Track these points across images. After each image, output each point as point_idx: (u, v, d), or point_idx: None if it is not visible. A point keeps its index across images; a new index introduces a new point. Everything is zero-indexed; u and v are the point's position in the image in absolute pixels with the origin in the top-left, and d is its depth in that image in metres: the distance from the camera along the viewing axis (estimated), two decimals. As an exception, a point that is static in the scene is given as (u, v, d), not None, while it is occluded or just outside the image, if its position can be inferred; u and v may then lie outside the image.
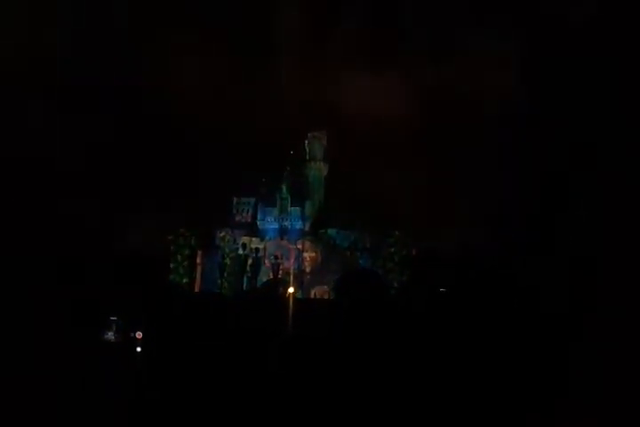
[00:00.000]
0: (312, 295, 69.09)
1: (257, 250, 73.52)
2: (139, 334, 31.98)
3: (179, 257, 73.03)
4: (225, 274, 72.29)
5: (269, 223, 75.69)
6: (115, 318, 34.80)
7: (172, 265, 72.34)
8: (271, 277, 71.22)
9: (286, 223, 75.34)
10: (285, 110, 77.95)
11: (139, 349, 29.60)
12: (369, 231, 74.23)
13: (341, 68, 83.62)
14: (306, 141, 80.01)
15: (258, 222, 75.97)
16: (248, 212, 76.64)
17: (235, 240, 73.71)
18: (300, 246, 73.30)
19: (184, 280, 71.38)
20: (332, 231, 73.18)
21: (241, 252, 73.30)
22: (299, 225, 75.35)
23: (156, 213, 68.87)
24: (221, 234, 74.02)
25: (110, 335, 34.25)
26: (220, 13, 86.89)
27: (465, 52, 77.48)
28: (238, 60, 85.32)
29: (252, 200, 76.73)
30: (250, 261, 72.67)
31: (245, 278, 71.88)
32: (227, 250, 73.26)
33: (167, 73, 79.47)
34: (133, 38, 78.68)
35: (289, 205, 75.99)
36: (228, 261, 72.80)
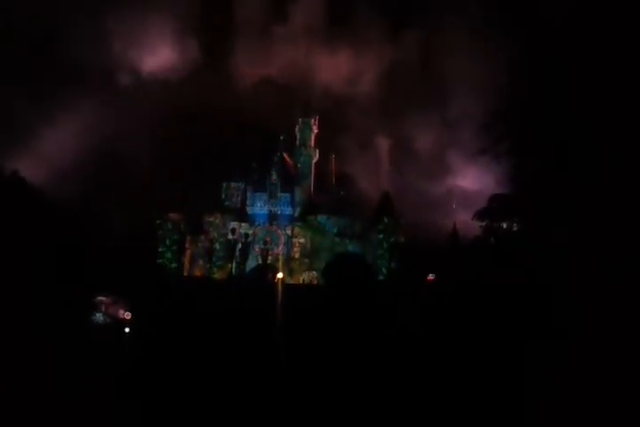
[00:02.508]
0: (301, 281, 69.33)
1: (246, 235, 73.55)
2: (127, 315, 32.02)
3: (167, 241, 72.94)
4: (214, 259, 72.33)
5: (259, 209, 75.69)
6: (103, 298, 34.78)
7: (160, 249, 72.29)
8: (260, 262, 71.34)
9: (276, 209, 75.37)
10: (276, 96, 77.78)
11: (127, 329, 29.63)
12: (358, 218, 74.47)
13: (332, 53, 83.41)
14: (296, 127, 79.83)
15: (247, 208, 75.93)
16: (237, 197, 76.51)
17: (224, 225, 73.64)
18: (289, 232, 73.40)
19: (172, 265, 71.35)
20: (321, 217, 73.28)
21: (230, 237, 73.30)
22: (288, 211, 75.40)
23: (145, 198, 68.64)
24: (210, 219, 73.90)
25: (99, 316, 34.24)
26: None
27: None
28: (230, 45, 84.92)
29: (242, 185, 76.59)
30: (239, 247, 72.70)
31: (234, 263, 71.92)
32: (216, 235, 73.21)
33: (156, 57, 79.01)
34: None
35: (278, 190, 75.91)
36: (217, 246, 72.78)
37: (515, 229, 23.94)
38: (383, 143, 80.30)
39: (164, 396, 15.34)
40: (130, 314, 31.89)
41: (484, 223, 25.16)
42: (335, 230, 73.05)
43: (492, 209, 24.25)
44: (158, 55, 79.11)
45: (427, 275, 40.93)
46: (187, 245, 73.58)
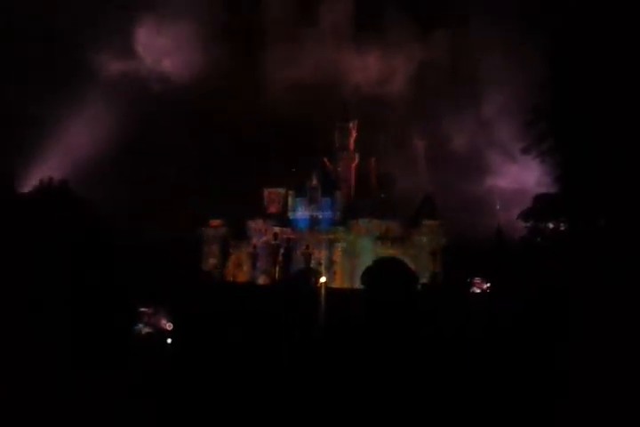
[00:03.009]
0: (343, 285, 69.19)
1: (288, 240, 73.90)
2: (169, 325, 32.25)
3: (211, 248, 73.89)
4: (257, 264, 72.88)
5: (300, 213, 75.95)
6: (145, 309, 35.19)
7: (204, 256, 73.27)
8: (303, 266, 71.53)
9: (317, 213, 75.49)
10: (311, 99, 78.03)
11: (169, 340, 29.86)
12: (399, 220, 73.97)
13: (364, 55, 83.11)
14: (335, 131, 79.86)
15: (289, 213, 76.30)
16: (279, 202, 76.96)
17: (266, 231, 74.14)
18: (331, 236, 73.40)
19: (216, 271, 72.19)
20: (362, 221, 72.95)
21: (273, 242, 73.75)
22: (329, 215, 75.43)
23: (190, 204, 69.74)
24: (253, 224, 74.51)
25: (141, 327, 34.70)
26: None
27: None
28: (260, 50, 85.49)
29: (283, 191, 77.00)
30: (281, 251, 73.08)
31: (277, 268, 72.31)
32: (258, 240, 73.77)
33: (198, 66, 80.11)
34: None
35: (319, 195, 76.04)
36: (259, 251, 73.34)
37: (562, 229, 23.30)
38: (421, 144, 79.68)
39: (206, 406, 15.38)
40: (171, 325, 32.13)
41: (528, 224, 24.55)
42: (377, 233, 72.68)
43: (538, 209, 23.66)
44: (189, 62, 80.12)
45: (471, 277, 40.00)
46: (230, 251, 74.41)
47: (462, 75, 78.98)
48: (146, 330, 38.42)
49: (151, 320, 38.76)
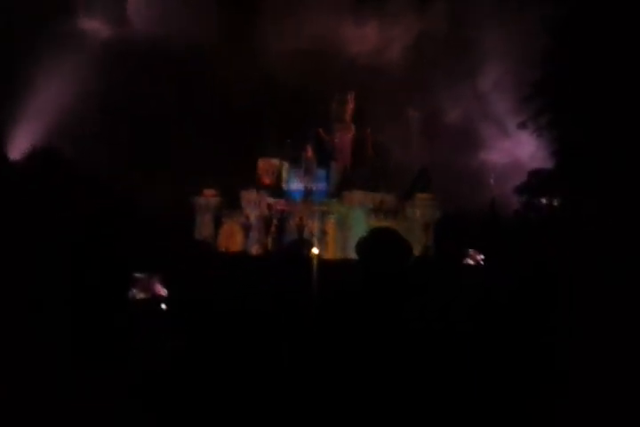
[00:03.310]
0: (335, 256, 69.53)
1: (282, 211, 73.86)
2: (163, 291, 32.37)
3: (204, 217, 73.80)
4: (250, 235, 72.97)
5: (294, 185, 75.76)
6: (139, 275, 35.29)
7: (197, 225, 73.23)
8: (295, 237, 71.72)
9: (311, 185, 75.33)
10: (316, 73, 76.94)
11: (163, 306, 29.94)
12: (394, 193, 73.96)
13: (361, 24, 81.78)
14: (333, 102, 79.15)
15: (283, 184, 76.10)
16: (273, 173, 76.67)
17: (260, 201, 74.02)
18: (324, 208, 73.40)
19: (209, 241, 72.24)
20: (356, 193, 72.91)
21: (266, 213, 73.71)
22: (324, 186, 75.30)
23: (181, 174, 69.33)
24: (246, 195, 74.33)
25: (135, 292, 34.85)
26: None
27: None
28: (260, 18, 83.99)
29: (277, 161, 76.63)
30: (274, 222, 73.14)
31: (270, 239, 72.45)
32: (252, 211, 73.70)
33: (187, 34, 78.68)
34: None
35: (314, 166, 75.75)
36: (253, 222, 73.33)
37: (555, 204, 23.33)
38: (416, 116, 79.02)
39: (198, 378, 15.38)
40: (166, 290, 32.21)
41: (522, 198, 24.58)
42: (370, 205, 72.71)
43: (532, 184, 23.66)
44: (180, 28, 78.38)
45: (465, 249, 40.03)
46: (223, 221, 74.35)
47: (460, 46, 77.86)
48: (140, 295, 38.53)
49: (145, 286, 38.85)
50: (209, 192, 74.49)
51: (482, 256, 36.50)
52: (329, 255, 68.06)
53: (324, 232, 71.83)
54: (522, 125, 21.39)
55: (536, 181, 24.20)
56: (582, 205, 19.63)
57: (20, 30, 65.36)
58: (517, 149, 62.40)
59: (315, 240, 68.70)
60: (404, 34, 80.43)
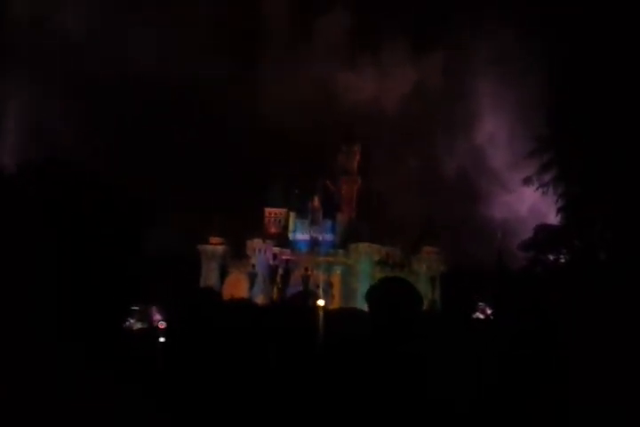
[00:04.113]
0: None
1: (287, 261, 73.72)
2: (162, 324, 31.91)
3: (210, 265, 73.64)
4: (255, 284, 72.59)
5: (301, 235, 75.89)
6: (137, 308, 35.15)
7: (202, 272, 73.02)
8: (301, 288, 71.24)
9: (317, 235, 75.44)
10: (319, 123, 78.43)
11: (162, 339, 29.41)
12: (400, 246, 73.92)
13: (370, 77, 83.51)
14: (339, 155, 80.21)
15: (289, 233, 76.25)
16: (279, 222, 76.96)
17: (265, 251, 73.99)
18: (330, 259, 73.23)
19: (214, 288, 71.84)
20: (362, 245, 72.83)
21: (271, 262, 73.59)
22: (330, 237, 75.38)
23: (189, 221, 69.57)
24: (252, 244, 74.38)
25: (133, 322, 34.43)
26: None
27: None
28: (273, 71, 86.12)
29: (284, 211, 77.05)
30: (280, 272, 72.88)
31: (275, 289, 72.02)
32: (257, 260, 73.60)
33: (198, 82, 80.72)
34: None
35: (321, 217, 76.09)
36: (258, 271, 73.10)
37: (562, 261, 23.25)
38: (419, 167, 79.52)
39: (193, 405, 15.22)
40: (164, 323, 31.70)
41: (529, 254, 24.51)
42: (377, 258, 72.56)
43: (539, 240, 23.64)
44: (186, 74, 79.89)
45: (472, 305, 39.58)
46: (228, 270, 74.18)
47: (460, 98, 79.21)
48: (138, 326, 37.95)
49: (143, 316, 38.27)
50: (215, 240, 74.66)
51: (491, 310, 36.05)
52: (335, 306, 67.41)
53: (329, 284, 71.40)
54: (527, 181, 21.51)
55: (542, 237, 24.19)
56: (591, 260, 19.59)
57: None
58: (518, 204, 62.78)
59: (320, 291, 68.24)
60: (403, 84, 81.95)
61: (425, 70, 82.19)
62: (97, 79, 74.67)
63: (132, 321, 34.09)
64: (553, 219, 24.09)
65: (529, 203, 55.15)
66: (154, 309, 37.47)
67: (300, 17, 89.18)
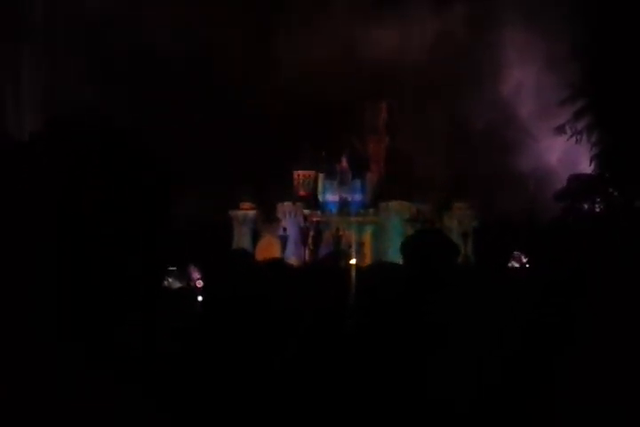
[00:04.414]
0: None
1: (318, 223, 74.05)
2: (199, 283, 32.79)
3: (241, 230, 74.43)
4: (287, 246, 73.28)
5: (331, 196, 75.94)
6: (174, 268, 36.14)
7: (234, 237, 73.90)
8: (332, 249, 71.74)
9: (347, 196, 75.40)
10: (343, 81, 77.01)
11: (200, 298, 30.18)
12: (431, 203, 73.46)
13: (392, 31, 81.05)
14: (365, 112, 79.24)
15: (319, 195, 76.37)
16: (309, 184, 77.01)
17: (296, 213, 74.37)
18: (360, 219, 73.32)
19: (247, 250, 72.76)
20: (393, 203, 72.61)
21: (302, 225, 74.01)
22: (360, 197, 75.29)
23: (220, 186, 69.99)
24: (283, 208, 74.78)
25: (171, 281, 35.32)
26: None
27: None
28: (294, 33, 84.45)
29: (313, 173, 76.96)
30: (311, 234, 73.35)
31: (307, 251, 72.64)
32: (288, 223, 74.08)
33: (226, 48, 79.69)
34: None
35: (350, 177, 75.86)
36: (289, 233, 73.67)
37: (597, 210, 22.88)
38: (450, 122, 77.91)
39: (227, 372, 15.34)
40: (201, 282, 32.52)
41: (563, 204, 24.13)
42: (407, 216, 72.34)
43: (573, 189, 23.22)
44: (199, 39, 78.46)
45: (507, 255, 39.26)
46: (260, 234, 74.91)
47: (485, 48, 76.28)
48: (176, 284, 38.95)
49: (182, 275, 39.17)
50: (246, 205, 75.22)
51: (526, 258, 35.86)
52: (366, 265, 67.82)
53: (360, 243, 71.70)
54: (560, 129, 20.98)
55: (576, 186, 23.74)
56: (627, 208, 19.22)
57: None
58: (548, 154, 61.52)
59: (352, 251, 68.62)
60: (428, 36, 79.35)
61: (450, 21, 79.29)
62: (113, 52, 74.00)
63: (170, 280, 34.91)
64: (584, 168, 23.60)
65: (558, 153, 54.04)
66: (192, 268, 38.32)
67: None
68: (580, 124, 20.37)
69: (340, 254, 67.96)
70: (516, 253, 38.81)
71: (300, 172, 77.11)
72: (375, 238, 72.00)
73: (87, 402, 12.28)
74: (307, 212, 74.44)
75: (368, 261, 69.64)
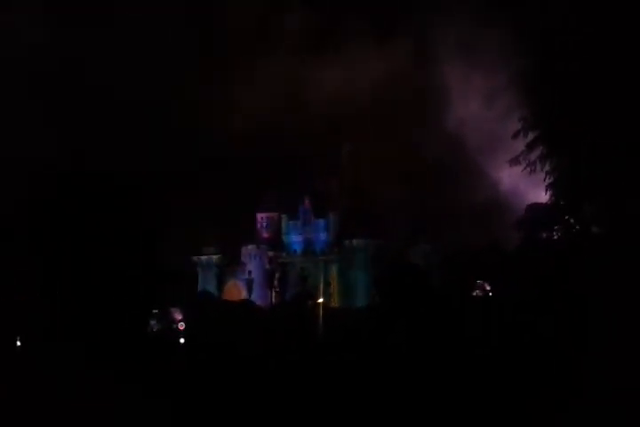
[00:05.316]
0: (341, 305, 68.83)
1: (283, 264, 73.68)
2: (181, 325, 32.75)
3: (207, 274, 73.56)
4: (253, 290, 72.53)
5: (294, 236, 75.86)
6: (156, 311, 35.91)
7: (199, 282, 72.90)
8: (299, 290, 71.21)
9: (311, 235, 75.45)
10: (306, 123, 77.98)
11: (182, 340, 30.05)
12: (394, 240, 73.97)
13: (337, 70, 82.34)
14: (325, 154, 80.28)
15: (283, 236, 76.22)
16: (272, 227, 76.89)
17: (260, 256, 73.96)
18: (325, 258, 73.24)
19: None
20: (357, 241, 72.89)
21: (267, 267, 73.52)
22: (324, 236, 75.38)
23: (182, 233, 69.16)
24: (246, 251, 74.35)
25: (153, 324, 34.98)
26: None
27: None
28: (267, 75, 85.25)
29: (276, 215, 76.99)
30: (277, 276, 72.84)
31: (273, 293, 71.97)
32: (253, 266, 73.56)
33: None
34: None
35: (312, 216, 76.10)
36: (254, 277, 73.06)
37: (555, 238, 23.39)
38: (394, 156, 78.64)
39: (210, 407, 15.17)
40: (183, 324, 32.36)
41: (521, 233, 24.69)
42: (372, 253, 72.64)
43: (530, 218, 23.80)
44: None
45: (473, 283, 39.57)
46: (225, 278, 74.12)
47: (430, 83, 77.99)
48: (158, 327, 38.31)
49: (163, 318, 38.62)
50: (209, 250, 74.63)
51: (489, 287, 36.30)
52: (334, 304, 67.42)
53: (327, 282, 71.40)
54: (514, 161, 21.57)
55: (534, 216, 24.34)
56: (584, 235, 19.70)
57: None
58: (499, 186, 63.31)
59: (319, 291, 68.28)
60: (373, 75, 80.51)
61: (393, 61, 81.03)
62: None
63: (153, 322, 34.72)
64: (532, 197, 24.23)
65: (507, 184, 55.64)
66: (173, 310, 37.99)
67: (260, 17, 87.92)
68: (533, 155, 20.96)
69: (308, 295, 67.60)
70: (479, 282, 39.29)
71: (263, 214, 77.10)
72: (341, 277, 71.84)
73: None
74: (271, 253, 74.17)
75: (335, 299, 69.35)
